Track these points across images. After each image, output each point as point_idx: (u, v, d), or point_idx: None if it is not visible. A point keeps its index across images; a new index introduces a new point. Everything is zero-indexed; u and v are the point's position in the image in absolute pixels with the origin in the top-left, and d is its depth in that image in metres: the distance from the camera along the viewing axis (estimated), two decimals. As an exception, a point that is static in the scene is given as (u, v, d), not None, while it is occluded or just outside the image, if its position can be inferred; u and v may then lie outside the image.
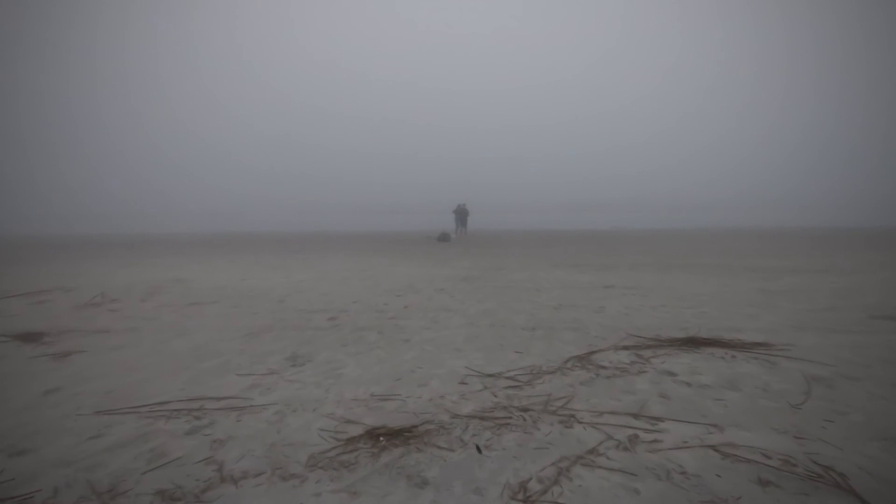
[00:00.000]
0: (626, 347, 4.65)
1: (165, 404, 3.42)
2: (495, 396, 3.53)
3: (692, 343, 4.73)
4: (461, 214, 23.32)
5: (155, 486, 2.41)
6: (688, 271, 10.02)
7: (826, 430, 2.90)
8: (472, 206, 24.42)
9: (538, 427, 3.00)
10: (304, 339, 5.12)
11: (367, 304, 6.95)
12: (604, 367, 4.10)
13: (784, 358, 4.24)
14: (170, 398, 3.53)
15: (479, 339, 5.01)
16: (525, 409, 3.26)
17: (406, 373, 4.06)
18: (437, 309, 6.54)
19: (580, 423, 3.05)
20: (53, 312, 6.59)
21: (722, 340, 4.77)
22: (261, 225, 46.98)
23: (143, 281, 9.41)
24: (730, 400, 3.41)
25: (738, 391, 3.59)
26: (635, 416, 3.14)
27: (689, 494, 2.30)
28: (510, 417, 3.15)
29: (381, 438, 2.88)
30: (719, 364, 4.15)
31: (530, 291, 7.82)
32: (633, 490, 2.35)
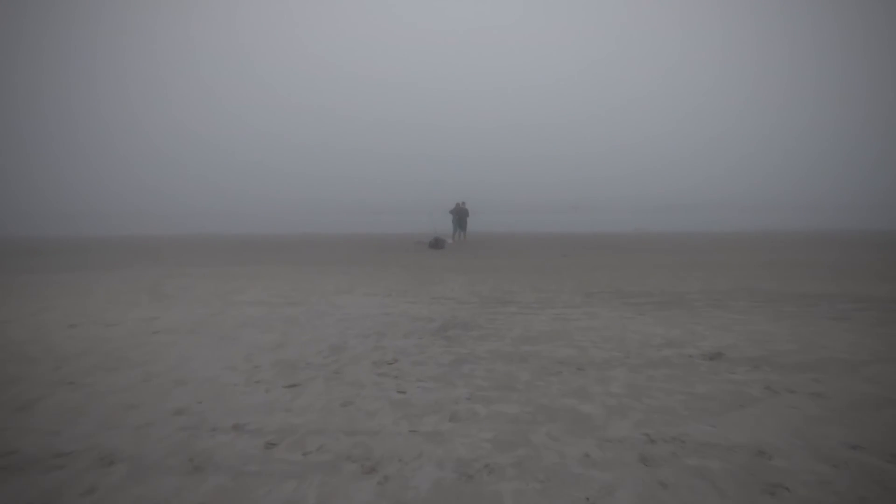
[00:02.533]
0: None
1: None
2: None
3: None
4: (460, 215, 19.35)
5: None
6: (827, 312, 6.02)
7: None
8: (474, 205, 20.45)
9: None
10: None
11: (199, 424, 3.04)
12: None
13: None
14: None
15: None
16: None
17: None
18: (342, 458, 2.61)
19: None
20: None
21: None
22: (252, 225, 43.37)
23: None
24: None
25: None
26: None
27: None
28: None
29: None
30: None
31: (567, 372, 3.87)
32: None
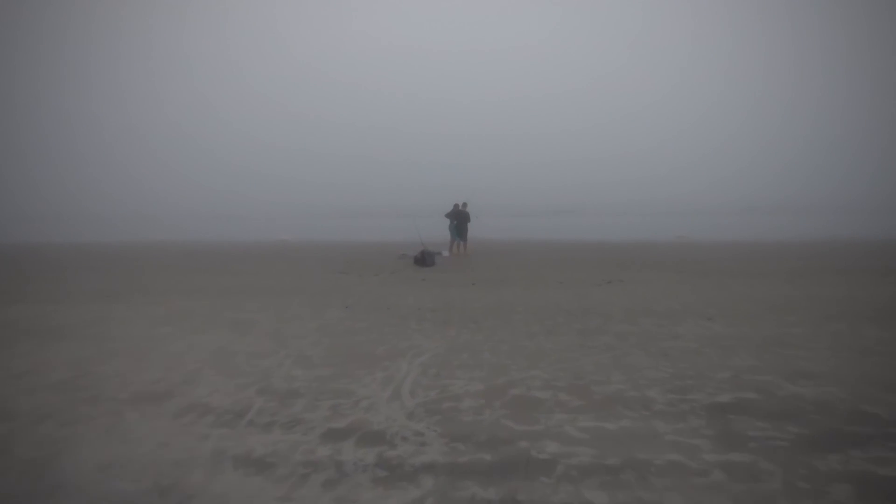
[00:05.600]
0: None
1: None
2: None
3: None
4: (460, 220, 14.89)
5: None
6: None
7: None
8: (480, 208, 15.93)
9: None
10: None
11: None
12: None
13: None
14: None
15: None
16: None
17: None
18: None
19: None
20: None
21: None
22: (235, 230, 39.57)
23: None
24: None
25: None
26: None
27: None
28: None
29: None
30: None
31: None
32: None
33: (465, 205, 15.11)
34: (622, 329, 5.50)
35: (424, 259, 11.86)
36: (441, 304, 7.01)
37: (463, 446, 2.79)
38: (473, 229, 15.43)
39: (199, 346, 4.93)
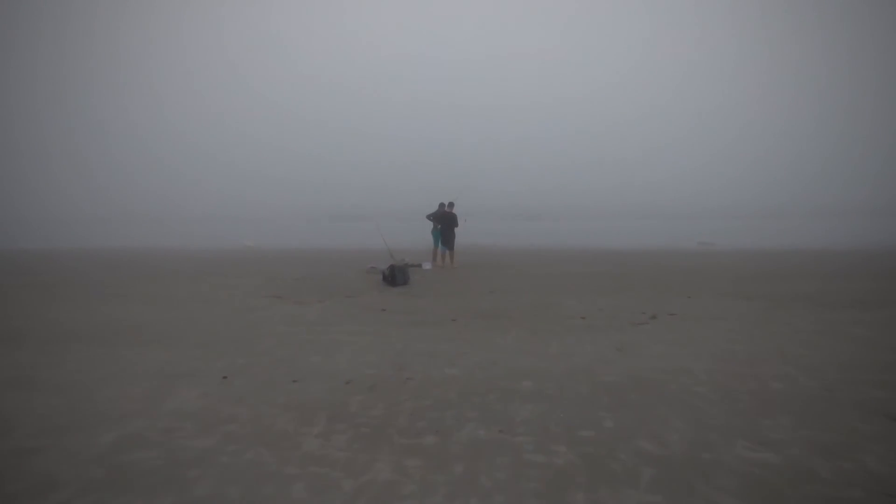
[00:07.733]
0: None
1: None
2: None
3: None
4: (444, 224, 12.02)
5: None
6: None
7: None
8: (466, 209, 13.03)
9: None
10: None
11: None
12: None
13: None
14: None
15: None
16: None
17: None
18: None
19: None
20: None
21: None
22: (210, 234, 36.62)
23: None
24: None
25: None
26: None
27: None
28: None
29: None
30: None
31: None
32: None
33: (451, 205, 12.23)
34: (746, 458, 2.59)
35: (395, 277, 8.95)
36: (391, 371, 4.10)
37: None
38: (462, 234, 12.55)
39: None
